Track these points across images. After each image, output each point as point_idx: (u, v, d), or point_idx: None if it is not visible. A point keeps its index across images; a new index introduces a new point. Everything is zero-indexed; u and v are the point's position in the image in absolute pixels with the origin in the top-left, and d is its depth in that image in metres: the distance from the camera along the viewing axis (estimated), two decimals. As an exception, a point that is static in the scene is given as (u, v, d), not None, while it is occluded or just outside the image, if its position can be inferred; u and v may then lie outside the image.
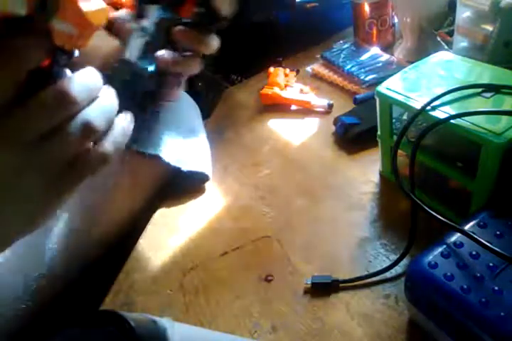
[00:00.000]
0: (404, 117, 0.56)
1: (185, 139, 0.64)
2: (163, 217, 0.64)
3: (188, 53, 0.45)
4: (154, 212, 0.64)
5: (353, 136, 0.66)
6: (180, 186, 0.66)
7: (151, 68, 0.37)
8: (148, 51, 0.37)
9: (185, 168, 0.61)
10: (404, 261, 0.49)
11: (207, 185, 0.67)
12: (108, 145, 0.30)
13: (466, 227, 0.41)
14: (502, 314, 0.34)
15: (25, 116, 0.26)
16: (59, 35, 0.26)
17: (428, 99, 0.46)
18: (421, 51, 0.77)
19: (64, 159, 0.28)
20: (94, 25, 0.26)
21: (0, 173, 0.27)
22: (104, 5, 0.27)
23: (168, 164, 0.58)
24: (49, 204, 0.30)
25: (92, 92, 0.28)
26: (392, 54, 0.83)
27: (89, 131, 0.28)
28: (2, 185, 0.28)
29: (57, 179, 0.29)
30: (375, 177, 0.62)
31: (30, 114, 0.26)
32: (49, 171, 0.28)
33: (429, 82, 0.50)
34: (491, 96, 0.46)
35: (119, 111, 0.31)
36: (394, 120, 0.54)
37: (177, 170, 0.61)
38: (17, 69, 0.25)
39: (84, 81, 0.28)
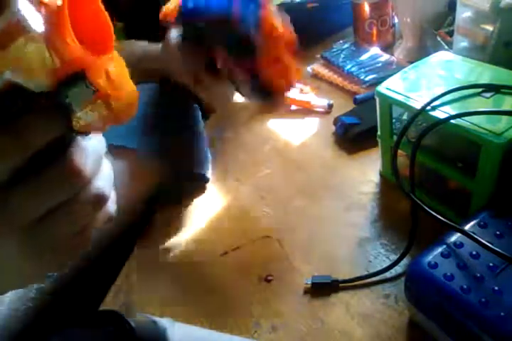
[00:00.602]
0: (404, 117, 0.56)
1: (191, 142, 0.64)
2: (163, 217, 0.64)
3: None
4: (154, 212, 0.64)
5: (353, 136, 0.66)
6: (180, 187, 0.66)
7: None
8: None
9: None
10: (404, 261, 0.49)
11: (207, 185, 0.68)
12: (112, 206, 0.27)
13: (466, 227, 0.41)
14: (502, 314, 0.34)
15: (27, 194, 0.22)
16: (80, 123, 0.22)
17: (428, 99, 0.46)
18: (421, 51, 0.77)
19: (73, 232, 0.25)
20: (124, 119, 0.23)
21: None
22: (135, 98, 0.23)
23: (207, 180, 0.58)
24: (43, 273, 0.27)
25: (101, 161, 0.25)
26: (392, 54, 0.83)
27: (102, 200, 0.25)
28: None
29: (60, 251, 0.26)
30: (375, 177, 0.62)
31: (36, 192, 0.22)
32: (52, 247, 0.25)
33: (429, 82, 0.50)
34: (491, 96, 0.46)
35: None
36: (394, 120, 0.54)
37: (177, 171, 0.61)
38: (19, 156, 0.21)
39: (95, 151, 0.24)
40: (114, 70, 0.21)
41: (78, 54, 0.19)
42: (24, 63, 0.19)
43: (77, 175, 0.23)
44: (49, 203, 0.23)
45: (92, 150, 0.24)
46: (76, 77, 0.20)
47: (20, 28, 0.18)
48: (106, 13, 0.21)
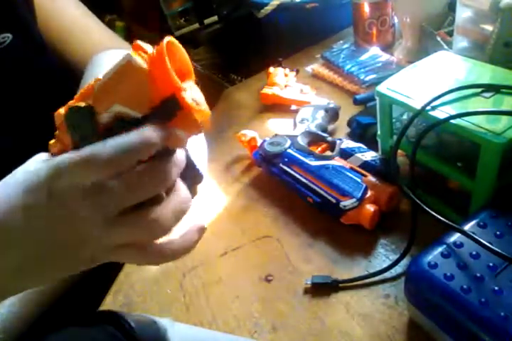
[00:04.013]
0: (404, 117, 0.56)
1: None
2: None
3: None
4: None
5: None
6: None
7: None
8: None
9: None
10: (404, 261, 0.49)
11: (207, 185, 0.68)
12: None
13: (466, 227, 0.41)
14: (502, 314, 0.34)
15: (128, 185, 0.27)
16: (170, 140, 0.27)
17: (428, 99, 0.46)
18: (421, 51, 0.77)
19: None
20: (200, 130, 0.28)
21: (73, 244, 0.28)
22: (207, 110, 0.28)
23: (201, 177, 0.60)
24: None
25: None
26: (392, 54, 0.83)
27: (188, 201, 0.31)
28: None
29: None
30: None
31: (135, 184, 0.27)
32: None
33: (429, 82, 0.50)
34: (491, 96, 0.46)
35: None
36: (394, 120, 0.54)
37: None
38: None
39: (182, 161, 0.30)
40: (196, 90, 0.28)
41: (175, 80, 0.25)
42: (132, 96, 0.26)
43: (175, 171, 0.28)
44: (142, 195, 0.27)
45: (181, 157, 0.29)
46: (169, 100, 0.26)
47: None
48: (185, 53, 0.28)
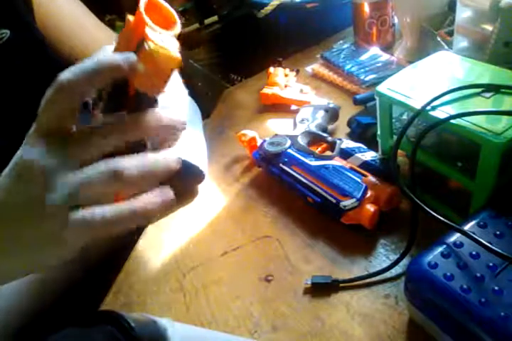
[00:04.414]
0: (404, 117, 0.56)
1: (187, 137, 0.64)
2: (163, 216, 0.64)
3: None
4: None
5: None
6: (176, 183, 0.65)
7: None
8: None
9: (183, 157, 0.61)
10: (404, 261, 0.49)
11: (207, 185, 0.68)
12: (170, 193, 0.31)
13: (466, 227, 0.41)
14: (502, 314, 0.34)
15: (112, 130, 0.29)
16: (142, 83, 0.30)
17: (428, 99, 0.46)
18: (421, 51, 0.77)
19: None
20: (168, 73, 0.30)
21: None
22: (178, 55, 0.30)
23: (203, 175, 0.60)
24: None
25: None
26: (392, 54, 0.83)
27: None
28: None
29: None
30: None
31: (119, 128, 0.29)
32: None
33: (429, 82, 0.50)
34: (491, 96, 0.46)
35: None
36: (394, 120, 0.54)
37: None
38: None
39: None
40: (171, 39, 0.30)
41: (143, 18, 0.29)
42: (125, 43, 0.31)
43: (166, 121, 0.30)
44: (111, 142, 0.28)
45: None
46: (140, 40, 0.29)
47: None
48: (169, 8, 0.31)
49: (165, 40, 0.30)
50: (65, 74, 0.28)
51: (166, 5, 0.31)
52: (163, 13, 0.31)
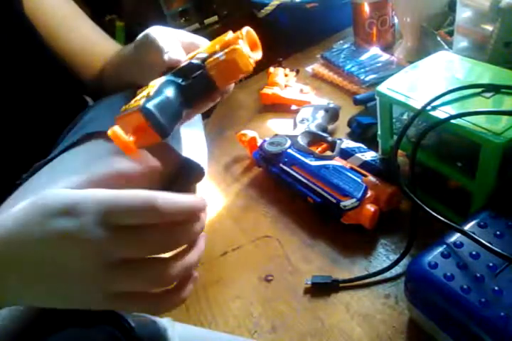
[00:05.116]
0: (405, 117, 0.56)
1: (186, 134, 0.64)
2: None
3: None
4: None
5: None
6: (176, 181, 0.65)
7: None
8: None
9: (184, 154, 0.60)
10: (404, 261, 0.49)
11: (207, 184, 0.68)
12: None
13: (466, 227, 0.41)
14: (502, 314, 0.34)
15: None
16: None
17: (428, 99, 0.46)
18: (421, 51, 0.77)
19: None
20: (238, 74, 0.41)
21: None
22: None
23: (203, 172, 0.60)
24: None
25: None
26: (392, 54, 0.83)
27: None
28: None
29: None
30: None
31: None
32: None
33: (429, 82, 0.50)
34: (491, 96, 0.46)
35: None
36: (394, 120, 0.54)
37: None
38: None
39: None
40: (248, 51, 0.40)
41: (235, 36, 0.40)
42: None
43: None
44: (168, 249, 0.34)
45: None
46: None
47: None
48: (255, 35, 0.43)
49: (250, 54, 0.40)
50: (163, 200, 0.29)
51: (257, 38, 0.43)
52: (253, 40, 0.42)
